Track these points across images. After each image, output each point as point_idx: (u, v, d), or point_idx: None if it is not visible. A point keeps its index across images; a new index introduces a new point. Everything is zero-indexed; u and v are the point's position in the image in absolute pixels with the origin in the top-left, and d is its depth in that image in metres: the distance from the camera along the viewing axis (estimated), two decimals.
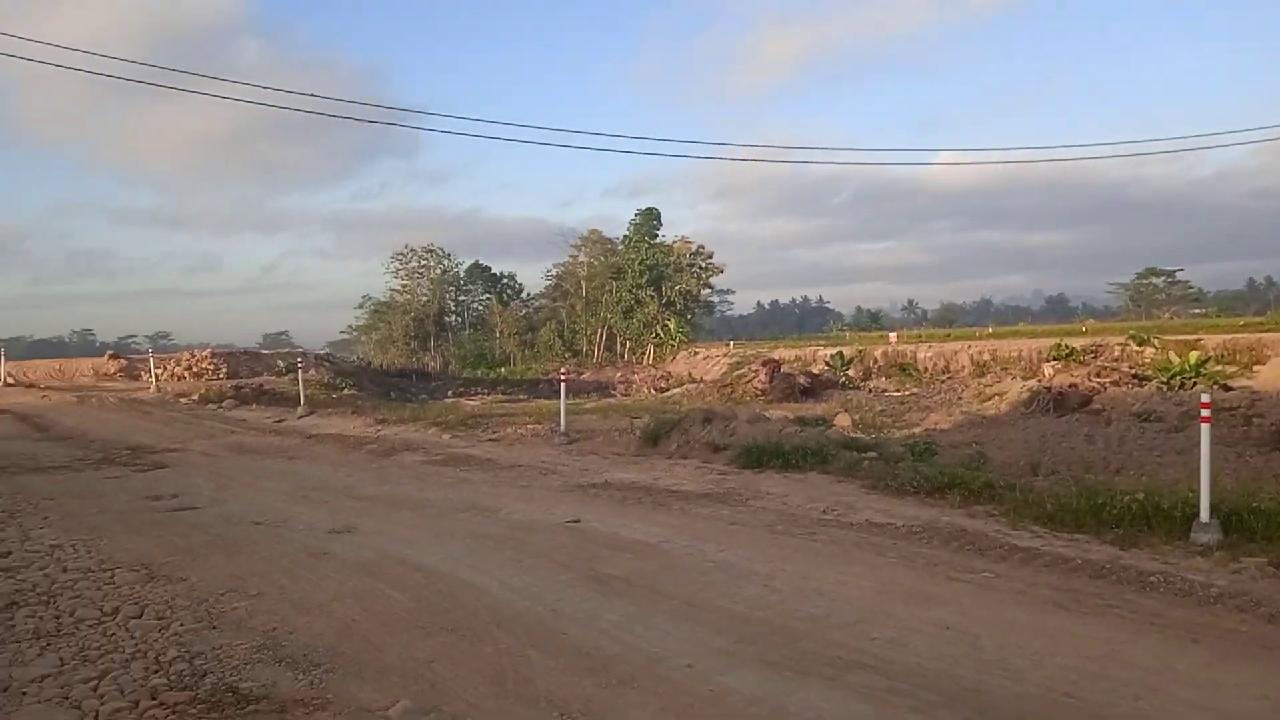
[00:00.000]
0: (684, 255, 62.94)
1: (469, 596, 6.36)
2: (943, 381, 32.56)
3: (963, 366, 36.45)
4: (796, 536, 8.13)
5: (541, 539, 8.07)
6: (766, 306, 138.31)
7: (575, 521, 8.75)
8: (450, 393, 36.12)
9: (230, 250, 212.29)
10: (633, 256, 61.86)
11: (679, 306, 61.19)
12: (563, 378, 17.17)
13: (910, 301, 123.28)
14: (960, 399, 23.45)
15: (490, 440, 15.69)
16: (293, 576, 6.92)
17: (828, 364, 37.40)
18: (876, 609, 5.99)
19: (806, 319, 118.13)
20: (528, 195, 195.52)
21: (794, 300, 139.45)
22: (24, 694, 4.72)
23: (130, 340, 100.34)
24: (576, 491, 10.50)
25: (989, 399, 20.59)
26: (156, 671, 5.00)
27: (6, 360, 34.51)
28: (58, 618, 5.99)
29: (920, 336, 53.47)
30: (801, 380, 28.05)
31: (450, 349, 68.00)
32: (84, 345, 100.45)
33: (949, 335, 53.36)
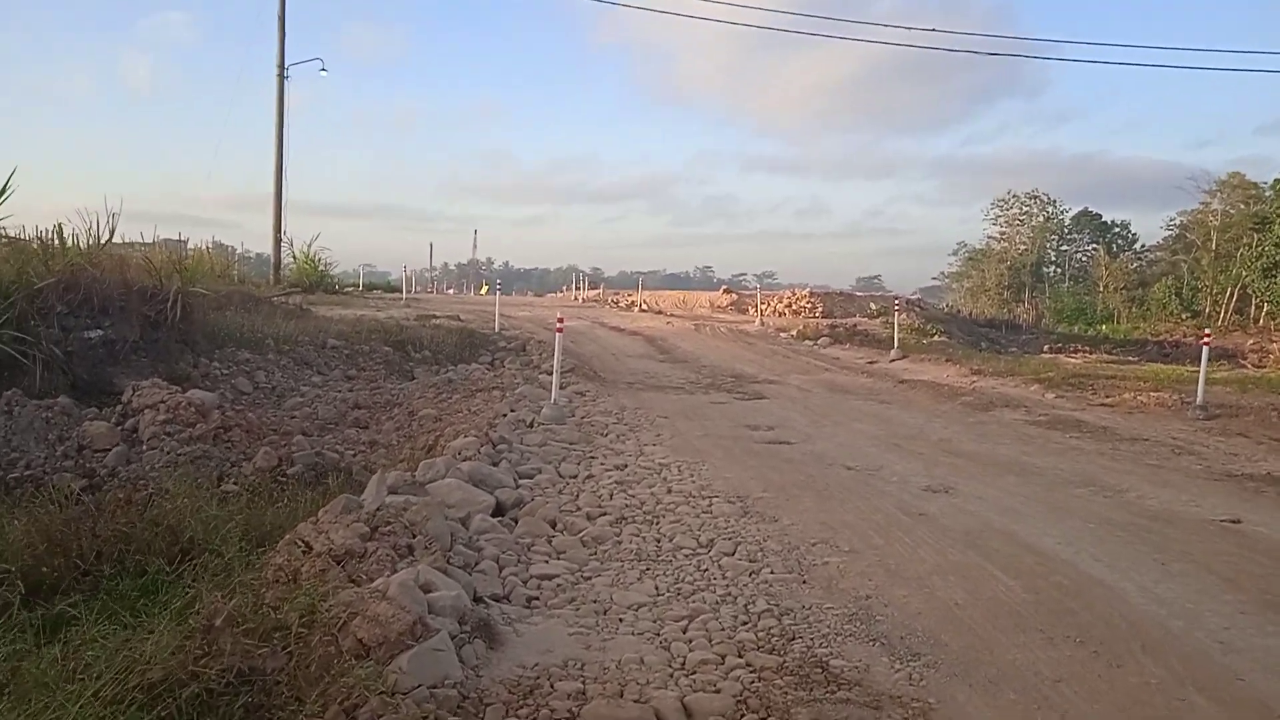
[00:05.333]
0: None
1: (1099, 598, 5.15)
2: None
3: None
4: None
5: (1189, 538, 6.45)
6: None
7: (1234, 522, 6.92)
8: (1046, 347, 33.40)
9: (838, 195, 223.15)
10: None
11: None
12: (1205, 341, 14.34)
13: None
14: None
15: (1103, 405, 13.70)
16: (887, 536, 6.27)
17: None
18: None
19: None
20: (1157, 135, 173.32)
21: None
22: (621, 620, 4.65)
23: (740, 277, 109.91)
24: (1228, 481, 8.46)
25: None
26: (745, 624, 4.64)
27: (643, 290, 40.81)
28: (658, 541, 6.03)
29: None
30: None
31: (1045, 301, 63.42)
32: (704, 280, 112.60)
33: None
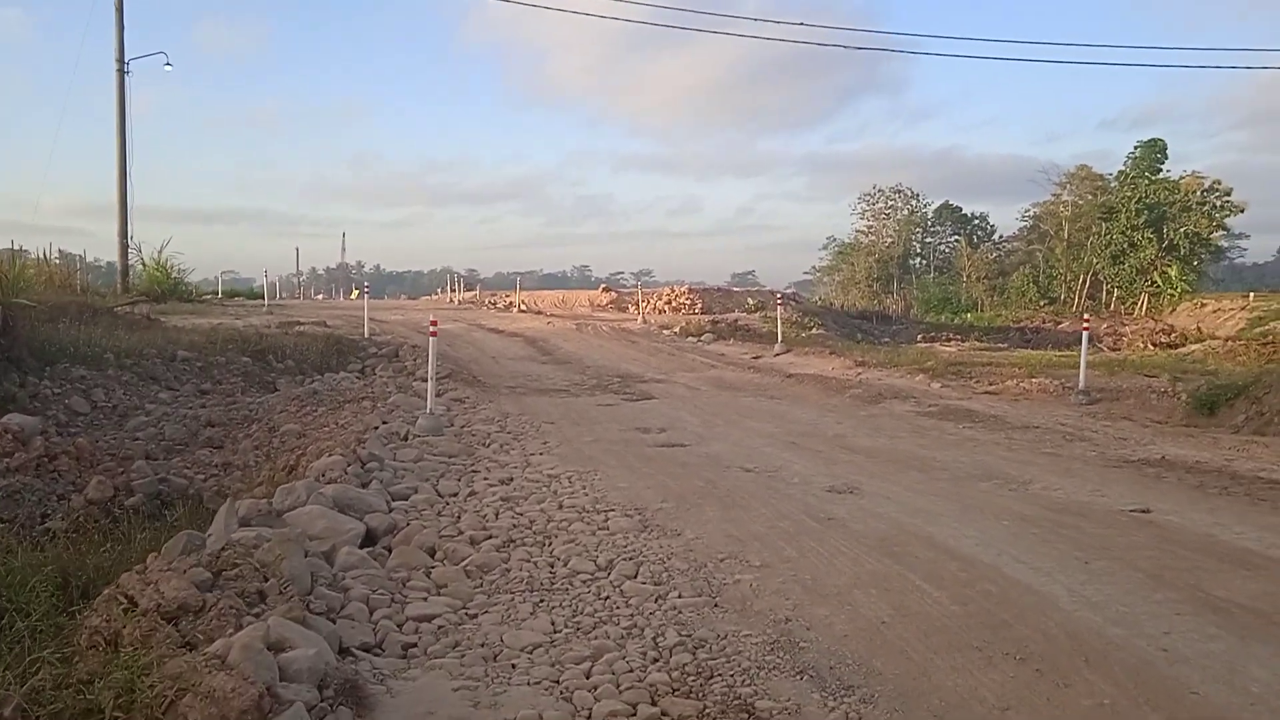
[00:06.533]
0: (1193, 192, 53.83)
1: (1030, 607, 4.78)
2: None
3: None
4: None
5: (1106, 533, 6.20)
6: None
7: (1144, 511, 6.73)
8: (919, 336, 34.09)
9: (711, 193, 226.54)
10: (1129, 194, 54.04)
11: (1182, 251, 52.69)
12: (1085, 327, 14.48)
13: None
14: None
15: (988, 393, 13.74)
16: (798, 546, 5.81)
17: None
18: None
19: None
20: (1011, 130, 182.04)
21: None
22: (514, 666, 4.02)
23: (618, 276, 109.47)
24: (1126, 468, 8.36)
25: None
26: (656, 661, 4.07)
27: (521, 290, 40.27)
28: (552, 565, 5.41)
29: None
30: None
31: (913, 292, 65.22)
32: (582, 279, 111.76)
33: None
